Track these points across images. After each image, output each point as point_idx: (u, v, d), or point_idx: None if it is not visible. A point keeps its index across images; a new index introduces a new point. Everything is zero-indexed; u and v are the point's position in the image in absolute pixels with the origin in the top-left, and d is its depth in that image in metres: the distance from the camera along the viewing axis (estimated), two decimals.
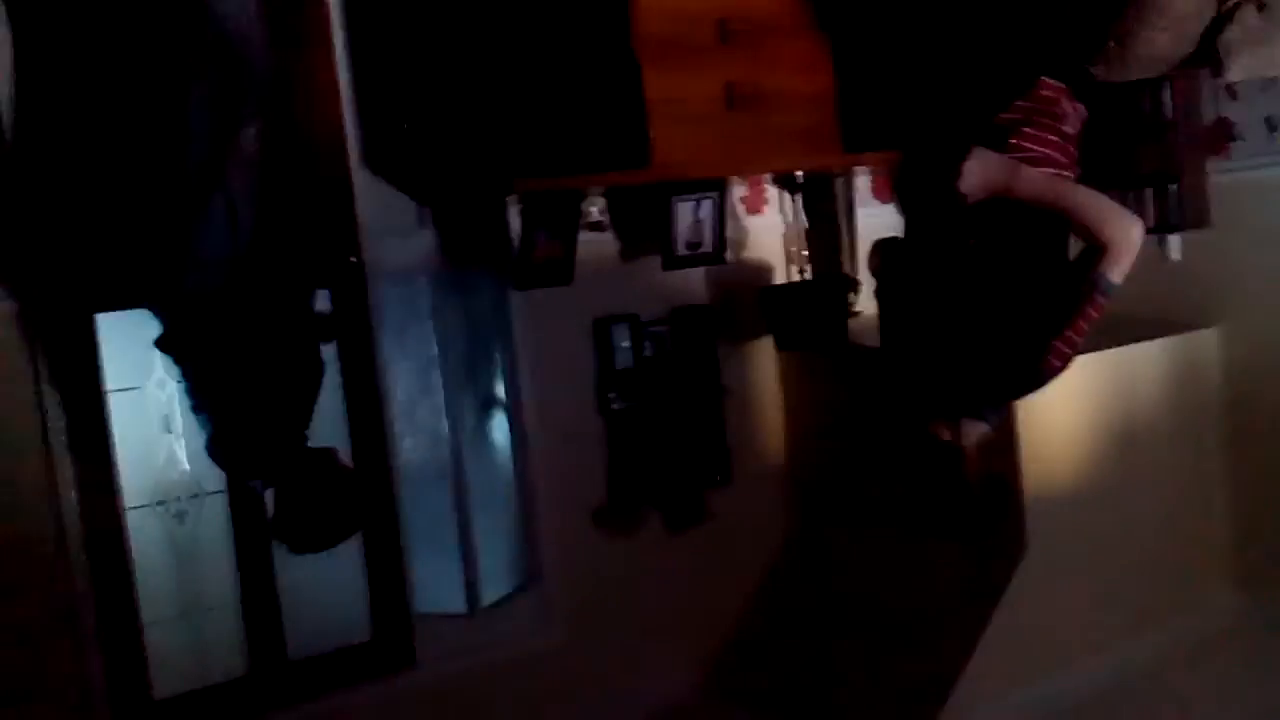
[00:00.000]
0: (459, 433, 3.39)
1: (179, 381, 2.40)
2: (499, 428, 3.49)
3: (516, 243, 3.24)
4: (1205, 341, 3.74)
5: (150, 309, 2.33)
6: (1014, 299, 2.26)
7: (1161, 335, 3.66)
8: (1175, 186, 3.66)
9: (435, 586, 3.37)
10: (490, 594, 3.44)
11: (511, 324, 3.37)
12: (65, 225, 2.45)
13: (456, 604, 3.38)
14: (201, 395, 2.34)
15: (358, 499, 2.54)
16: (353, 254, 3.06)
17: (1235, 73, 3.01)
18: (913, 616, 3.51)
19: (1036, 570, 3.30)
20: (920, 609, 3.48)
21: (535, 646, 3.41)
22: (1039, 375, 2.28)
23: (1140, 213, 3.72)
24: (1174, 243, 3.76)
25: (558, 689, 3.36)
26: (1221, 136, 3.68)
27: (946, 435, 2.32)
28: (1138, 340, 3.59)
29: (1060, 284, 2.26)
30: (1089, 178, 3.73)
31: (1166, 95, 3.62)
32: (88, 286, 2.60)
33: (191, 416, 2.42)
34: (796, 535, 3.94)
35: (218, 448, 2.37)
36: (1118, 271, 2.21)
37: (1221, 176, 3.68)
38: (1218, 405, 3.77)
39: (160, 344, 2.34)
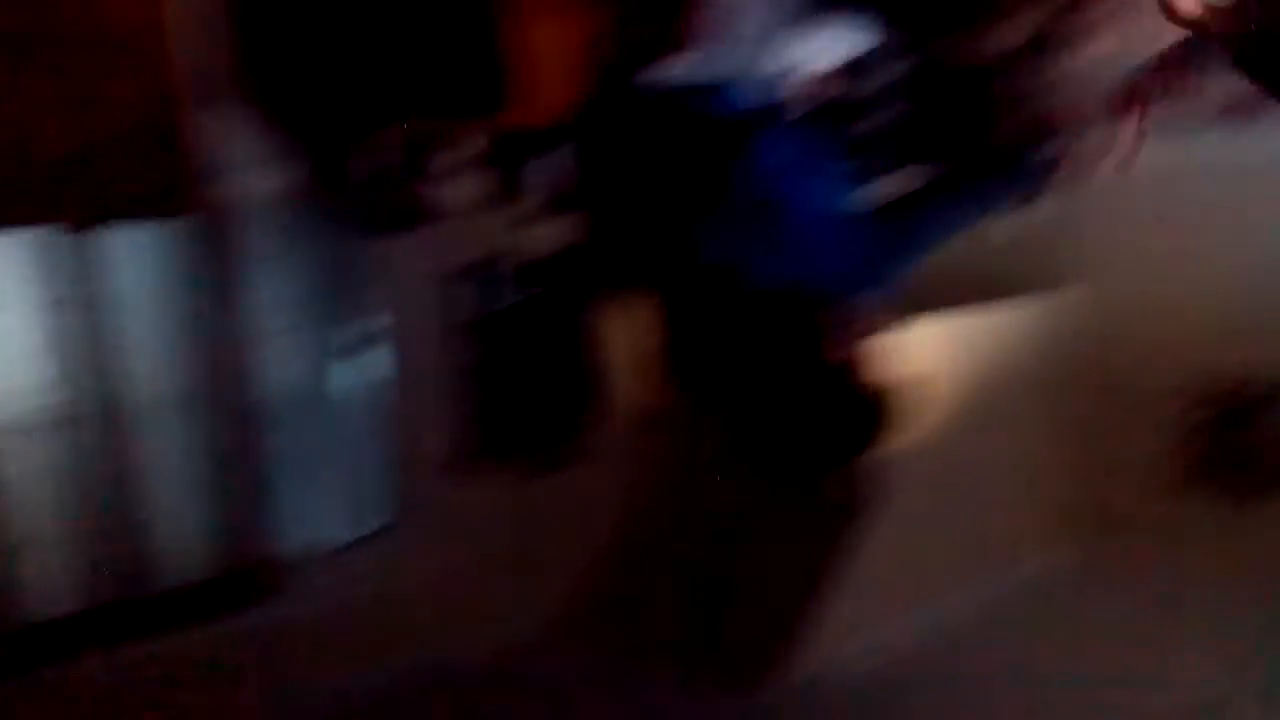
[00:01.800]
0: (320, 370, 3.38)
1: None
2: (361, 367, 3.48)
3: (387, 182, 3.23)
4: (1060, 303, 3.90)
5: None
6: None
7: (1019, 296, 3.82)
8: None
9: (296, 523, 3.38)
10: (351, 532, 3.47)
11: (377, 264, 3.36)
12: None
13: (316, 541, 3.39)
14: None
15: None
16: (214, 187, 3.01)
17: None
18: (766, 560, 3.64)
19: (884, 525, 3.44)
20: (772, 553, 3.61)
21: (395, 586, 3.43)
22: None
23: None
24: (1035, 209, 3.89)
25: (415, 628, 3.40)
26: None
27: None
28: (998, 299, 3.74)
29: None
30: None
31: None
32: None
33: None
34: (663, 481, 4.03)
35: None
36: None
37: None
38: (1066, 365, 3.95)
39: None
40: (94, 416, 3.01)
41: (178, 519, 3.17)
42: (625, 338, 3.89)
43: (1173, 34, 3.07)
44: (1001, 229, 3.82)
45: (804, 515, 3.56)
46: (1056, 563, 3.91)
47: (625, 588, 3.88)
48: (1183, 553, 3.64)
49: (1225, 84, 3.26)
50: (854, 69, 3.71)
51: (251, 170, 3.13)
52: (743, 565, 3.67)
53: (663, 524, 3.99)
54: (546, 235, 3.63)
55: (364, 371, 3.47)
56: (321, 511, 3.41)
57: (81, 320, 2.96)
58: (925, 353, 3.50)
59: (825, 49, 3.65)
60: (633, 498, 3.96)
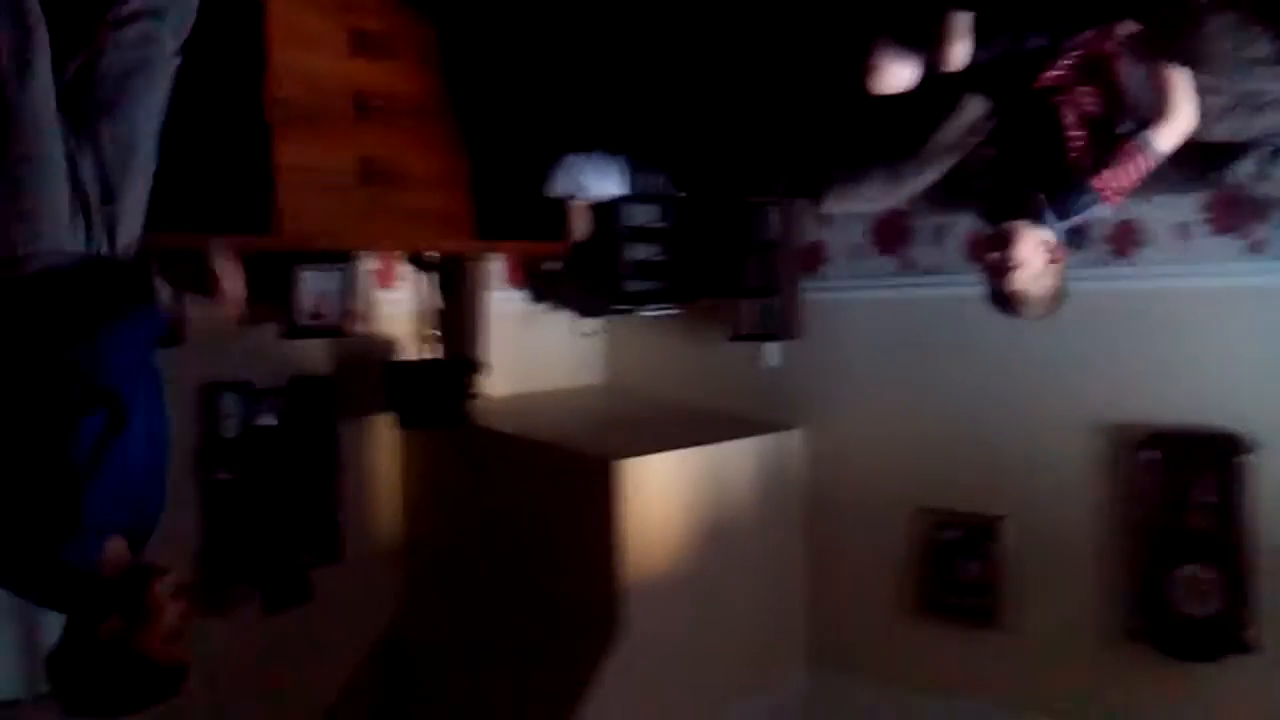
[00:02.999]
0: None
1: None
2: None
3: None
4: (792, 440, 4.11)
5: None
6: None
7: (754, 434, 4.00)
8: (774, 299, 4.05)
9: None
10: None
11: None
12: None
13: (11, 690, 3.06)
14: None
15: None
16: None
17: (830, 206, 3.42)
18: (507, 696, 3.57)
19: (630, 650, 3.45)
20: (515, 690, 3.55)
21: None
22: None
23: (741, 321, 4.13)
24: (771, 350, 4.14)
25: None
26: (816, 258, 4.12)
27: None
28: (733, 438, 3.91)
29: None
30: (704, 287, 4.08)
31: (771, 219, 4.02)
32: None
33: None
34: (400, 618, 3.91)
35: None
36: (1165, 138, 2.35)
37: (812, 294, 4.10)
38: (800, 499, 4.14)
39: None
40: None
41: None
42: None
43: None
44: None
45: (553, 640, 3.54)
46: (795, 687, 4.03)
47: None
48: (917, 676, 3.83)
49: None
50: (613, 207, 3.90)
51: None
52: (490, 694, 3.61)
53: (404, 654, 3.89)
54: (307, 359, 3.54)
55: None
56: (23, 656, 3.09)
57: None
58: (663, 485, 3.61)
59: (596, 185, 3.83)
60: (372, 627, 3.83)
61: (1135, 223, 3.40)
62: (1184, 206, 3.30)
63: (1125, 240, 3.44)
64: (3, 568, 1.94)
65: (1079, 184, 2.40)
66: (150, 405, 2.03)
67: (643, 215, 4.12)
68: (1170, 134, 2.37)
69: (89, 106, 2.08)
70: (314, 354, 3.63)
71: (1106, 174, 2.37)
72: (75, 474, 1.86)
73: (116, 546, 1.94)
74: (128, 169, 2.13)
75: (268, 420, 3.50)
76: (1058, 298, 2.46)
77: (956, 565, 3.74)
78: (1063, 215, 2.42)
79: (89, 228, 2.05)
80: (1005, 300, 2.46)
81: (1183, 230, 3.33)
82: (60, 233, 2.01)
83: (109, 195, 2.09)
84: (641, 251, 4.19)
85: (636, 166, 4.03)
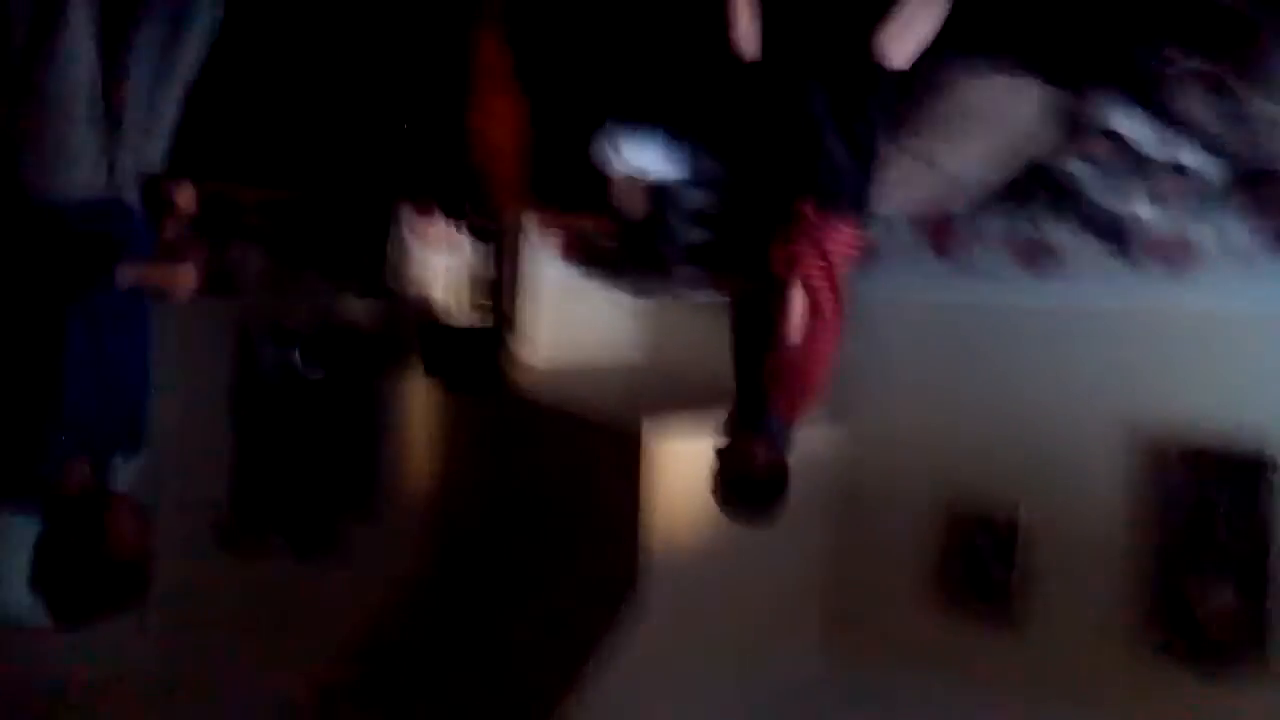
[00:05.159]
0: None
1: None
2: None
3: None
4: (826, 432, 4.07)
5: None
6: None
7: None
8: None
9: (18, 595, 3.13)
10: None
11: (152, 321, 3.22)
12: None
13: (39, 615, 3.15)
14: None
15: None
16: None
17: (880, 205, 3.38)
18: (526, 662, 3.61)
19: (650, 626, 3.47)
20: (534, 657, 3.58)
21: (126, 666, 3.22)
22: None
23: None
24: None
25: (146, 713, 3.20)
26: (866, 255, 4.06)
27: None
28: None
29: None
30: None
31: None
32: None
33: None
34: (430, 577, 3.96)
35: None
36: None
37: (860, 289, 4.03)
38: (831, 491, 4.11)
39: None
40: None
41: None
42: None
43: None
44: None
45: (574, 610, 3.57)
46: (818, 674, 4.02)
47: (381, 678, 3.78)
48: (942, 671, 3.81)
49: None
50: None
51: None
52: (508, 660, 3.64)
53: (427, 616, 3.94)
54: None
55: None
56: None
57: None
58: (694, 465, 3.60)
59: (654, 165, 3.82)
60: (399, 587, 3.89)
61: (1189, 243, 3.29)
62: (1242, 229, 3.21)
63: (1177, 257, 3.35)
64: None
65: None
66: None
67: (698, 199, 4.10)
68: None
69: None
70: (361, 312, 3.68)
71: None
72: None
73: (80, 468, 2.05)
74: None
75: (312, 373, 3.56)
76: None
77: (980, 564, 3.72)
78: None
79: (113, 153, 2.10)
80: None
81: (1239, 252, 3.23)
82: (74, 173, 2.07)
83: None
84: (695, 235, 4.17)
85: (696, 149, 4.01)
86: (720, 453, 2.76)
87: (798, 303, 2.65)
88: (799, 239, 2.62)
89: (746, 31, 2.65)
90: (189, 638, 3.31)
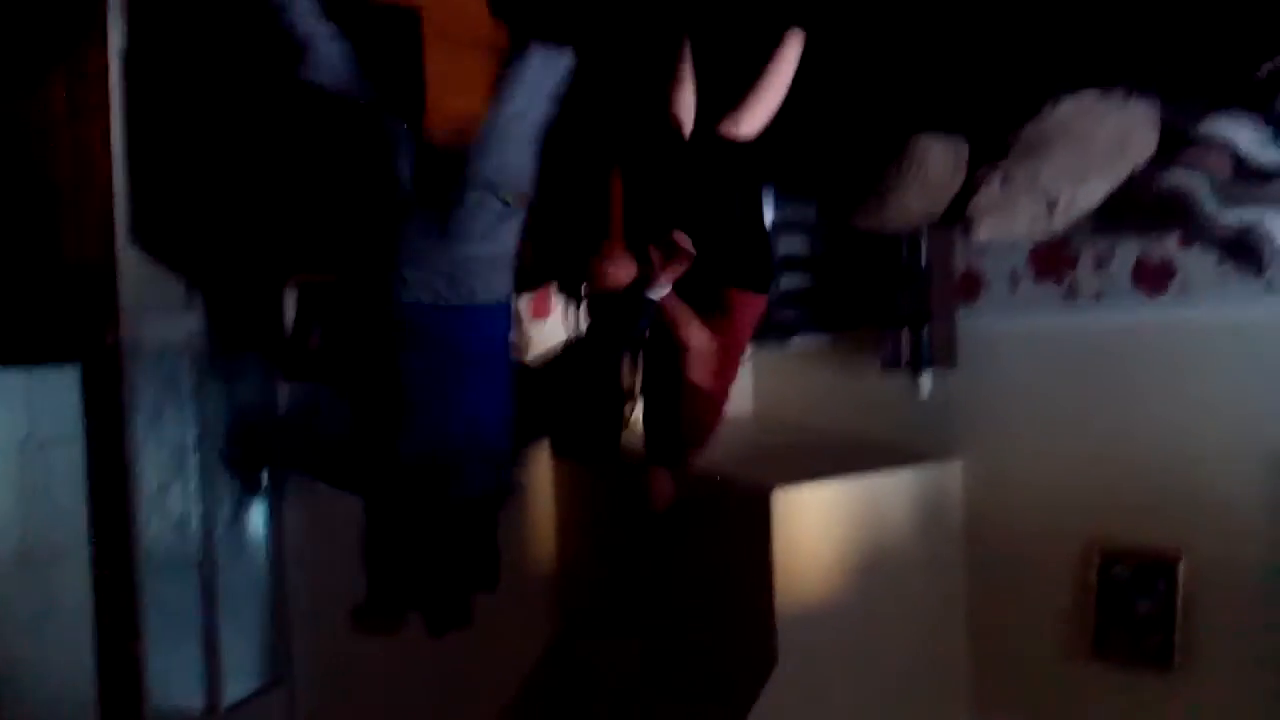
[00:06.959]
0: (212, 520, 3.25)
1: None
2: (256, 517, 3.36)
3: (289, 332, 3.20)
4: (949, 472, 4.01)
5: None
6: None
7: (909, 465, 3.91)
8: (927, 328, 3.97)
9: (174, 681, 3.19)
10: (234, 692, 3.27)
11: (277, 414, 3.29)
12: None
13: (195, 701, 3.20)
14: None
15: None
16: (110, 331, 2.94)
17: (982, 233, 3.35)
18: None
19: (785, 685, 3.41)
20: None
21: None
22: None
23: (895, 350, 4.05)
24: (924, 379, 4.06)
25: None
26: (973, 285, 4.03)
27: None
28: (888, 468, 3.83)
29: None
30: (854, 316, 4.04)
31: (923, 246, 3.95)
32: None
33: None
34: (556, 645, 3.92)
35: None
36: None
37: (969, 322, 4.01)
38: (959, 533, 4.03)
39: None
40: None
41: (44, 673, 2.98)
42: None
43: None
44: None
45: (707, 672, 3.52)
46: None
47: None
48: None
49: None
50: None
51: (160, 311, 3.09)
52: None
53: (561, 690, 3.90)
54: None
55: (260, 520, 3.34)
56: (200, 668, 3.24)
57: None
58: (819, 516, 3.56)
59: None
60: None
61: None
62: None
63: None
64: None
65: None
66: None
67: (792, 244, 4.11)
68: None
69: None
70: None
71: None
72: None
73: None
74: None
75: None
76: None
77: (1128, 603, 3.56)
78: None
79: None
80: None
81: None
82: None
83: None
84: (790, 281, 4.17)
85: (783, 194, 4.02)
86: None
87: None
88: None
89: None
90: (330, 712, 3.32)
